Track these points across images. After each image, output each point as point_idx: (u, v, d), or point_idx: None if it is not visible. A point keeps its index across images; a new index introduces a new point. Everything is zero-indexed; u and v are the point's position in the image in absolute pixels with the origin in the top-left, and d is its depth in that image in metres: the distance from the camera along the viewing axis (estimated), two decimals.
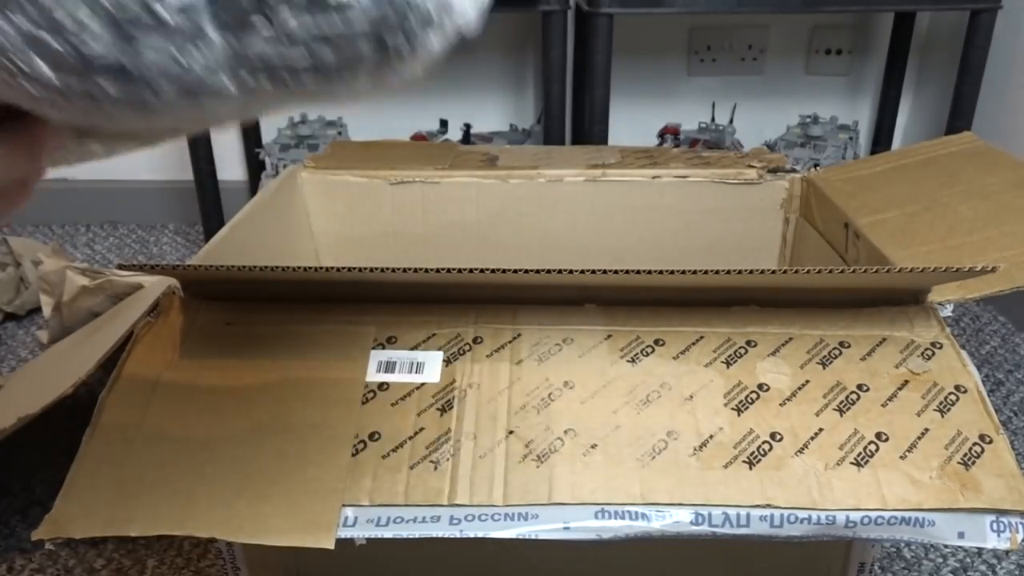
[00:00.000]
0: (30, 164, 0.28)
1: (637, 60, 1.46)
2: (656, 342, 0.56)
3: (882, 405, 0.52)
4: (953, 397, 0.53)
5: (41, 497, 0.86)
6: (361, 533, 0.47)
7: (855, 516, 0.48)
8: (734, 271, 0.53)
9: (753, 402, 0.53)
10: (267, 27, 0.25)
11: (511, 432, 0.51)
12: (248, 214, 0.75)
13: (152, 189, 1.56)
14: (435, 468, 0.50)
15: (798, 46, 1.46)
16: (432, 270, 0.53)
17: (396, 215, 0.90)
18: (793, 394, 0.53)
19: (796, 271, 0.54)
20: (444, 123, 1.41)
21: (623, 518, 0.48)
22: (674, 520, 0.48)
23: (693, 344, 0.56)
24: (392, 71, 0.27)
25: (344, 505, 0.48)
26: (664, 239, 0.90)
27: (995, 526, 0.48)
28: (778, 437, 0.51)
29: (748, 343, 0.56)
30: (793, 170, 0.87)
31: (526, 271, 0.52)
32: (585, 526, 0.47)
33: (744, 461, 0.50)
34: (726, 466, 0.49)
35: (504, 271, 0.52)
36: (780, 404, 0.53)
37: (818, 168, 0.87)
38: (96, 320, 0.91)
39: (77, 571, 0.77)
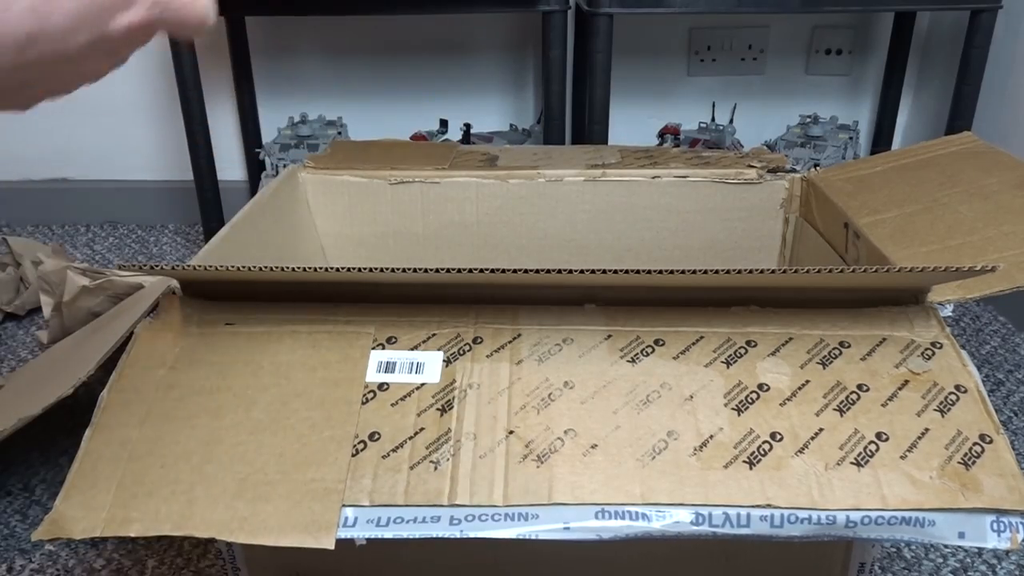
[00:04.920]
0: None
1: (637, 60, 1.46)
2: (656, 342, 0.56)
3: (882, 405, 0.52)
4: (953, 397, 0.53)
5: (41, 497, 0.86)
6: (361, 533, 0.47)
7: (855, 516, 0.48)
8: (734, 271, 0.53)
9: (753, 402, 0.53)
10: None
11: (511, 432, 0.51)
12: (248, 214, 0.75)
13: (152, 189, 1.56)
14: (435, 468, 0.50)
15: (798, 46, 1.46)
16: (432, 270, 0.53)
17: (396, 215, 0.90)
18: (793, 394, 0.53)
19: (796, 271, 0.54)
20: (444, 123, 1.41)
21: (623, 518, 0.48)
22: (674, 520, 0.48)
23: (693, 344, 0.56)
24: None
25: (344, 505, 0.48)
26: (664, 239, 0.90)
27: (995, 526, 0.47)
28: (778, 437, 0.51)
29: (748, 343, 0.56)
30: (793, 170, 0.87)
31: (526, 271, 0.52)
32: (585, 526, 0.47)
33: (744, 461, 0.50)
34: (726, 466, 0.49)
35: (504, 271, 0.52)
36: (780, 404, 0.53)
37: (818, 168, 0.87)
38: (96, 320, 0.91)
39: (77, 571, 0.77)
